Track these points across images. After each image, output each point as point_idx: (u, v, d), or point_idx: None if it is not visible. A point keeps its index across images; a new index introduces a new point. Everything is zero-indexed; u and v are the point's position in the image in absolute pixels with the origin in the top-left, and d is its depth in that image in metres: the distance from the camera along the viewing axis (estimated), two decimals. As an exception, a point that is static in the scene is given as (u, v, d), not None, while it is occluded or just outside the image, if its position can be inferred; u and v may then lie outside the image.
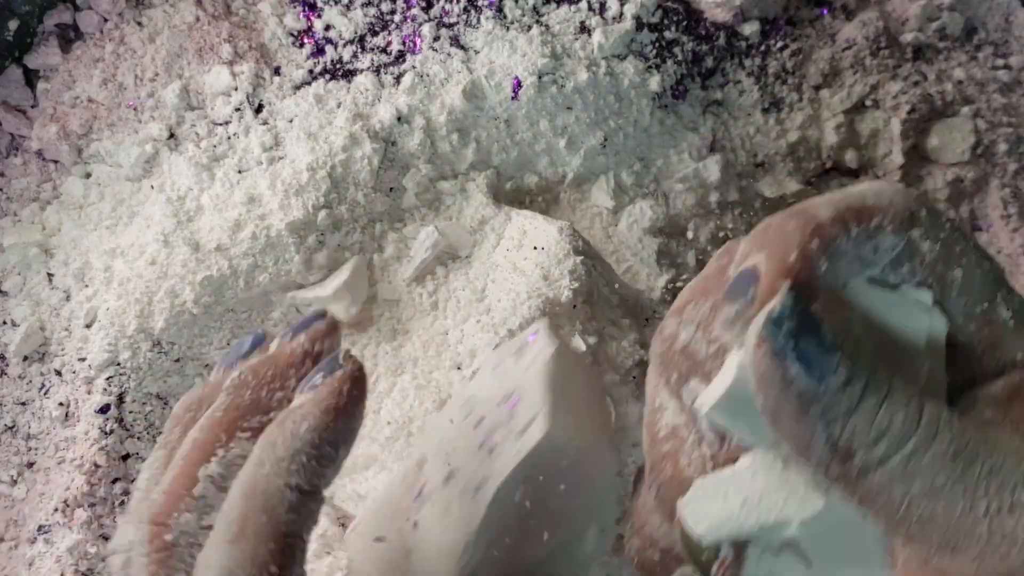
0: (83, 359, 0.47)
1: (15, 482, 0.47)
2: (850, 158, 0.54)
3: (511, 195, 0.50)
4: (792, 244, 0.27)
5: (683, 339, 0.29)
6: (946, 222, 0.29)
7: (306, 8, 0.52)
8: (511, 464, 0.34)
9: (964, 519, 0.24)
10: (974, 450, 0.24)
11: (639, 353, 0.45)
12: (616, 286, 0.46)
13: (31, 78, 0.52)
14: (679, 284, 0.50)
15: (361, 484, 0.43)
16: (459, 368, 0.44)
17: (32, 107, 0.52)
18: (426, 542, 0.35)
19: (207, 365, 0.47)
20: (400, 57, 0.50)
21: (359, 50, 0.50)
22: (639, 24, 0.50)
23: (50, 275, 0.49)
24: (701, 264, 0.51)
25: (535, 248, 0.46)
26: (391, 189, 0.48)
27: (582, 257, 0.45)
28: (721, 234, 0.52)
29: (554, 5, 0.50)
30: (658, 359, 0.30)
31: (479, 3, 0.50)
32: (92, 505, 0.45)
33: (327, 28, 0.51)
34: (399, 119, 0.48)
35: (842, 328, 0.26)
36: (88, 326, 0.47)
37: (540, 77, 0.48)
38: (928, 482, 0.24)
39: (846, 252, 0.27)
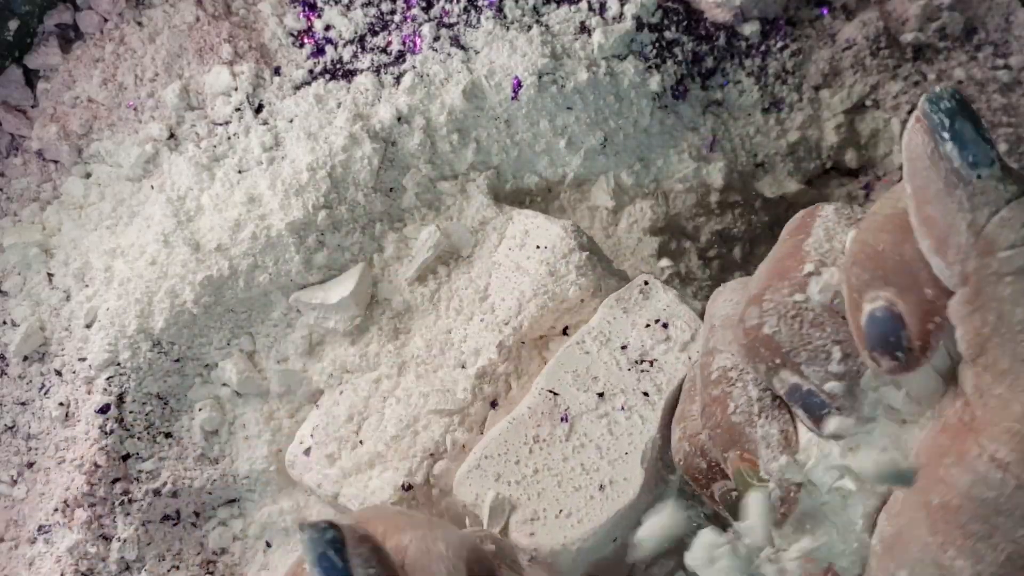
0: (83, 359, 0.47)
1: (15, 482, 0.47)
2: (850, 158, 0.54)
3: (511, 195, 0.50)
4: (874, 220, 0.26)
5: (767, 331, 0.28)
6: None
7: (306, 8, 0.52)
8: (682, 369, 0.41)
9: None
10: None
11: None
12: (620, 280, 0.47)
13: (31, 78, 0.52)
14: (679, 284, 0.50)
15: (367, 484, 0.43)
16: (463, 367, 0.44)
17: (32, 107, 0.52)
18: (584, 454, 0.40)
19: (207, 365, 0.47)
20: (400, 57, 0.50)
21: (359, 50, 0.50)
22: (639, 24, 0.50)
23: (50, 275, 0.49)
24: (702, 263, 0.51)
25: (538, 247, 0.46)
26: (391, 189, 0.48)
27: (587, 253, 0.45)
28: (722, 232, 0.52)
29: (554, 5, 0.50)
30: (743, 349, 0.30)
31: (479, 3, 0.50)
32: (92, 505, 0.45)
33: (327, 28, 0.51)
34: (399, 119, 0.48)
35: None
36: (88, 326, 0.47)
37: (540, 77, 0.48)
38: None
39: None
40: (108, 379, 0.46)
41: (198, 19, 0.51)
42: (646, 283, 0.44)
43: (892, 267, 0.26)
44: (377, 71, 0.50)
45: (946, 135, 0.24)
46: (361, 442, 0.44)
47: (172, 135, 0.50)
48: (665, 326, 0.42)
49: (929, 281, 0.25)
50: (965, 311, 0.24)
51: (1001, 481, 0.22)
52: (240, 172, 0.48)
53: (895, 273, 0.26)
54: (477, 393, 0.44)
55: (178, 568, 0.46)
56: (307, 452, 0.44)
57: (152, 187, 0.49)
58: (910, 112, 0.53)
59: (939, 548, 0.24)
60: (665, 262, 0.48)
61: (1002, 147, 0.54)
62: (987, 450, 0.23)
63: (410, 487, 0.42)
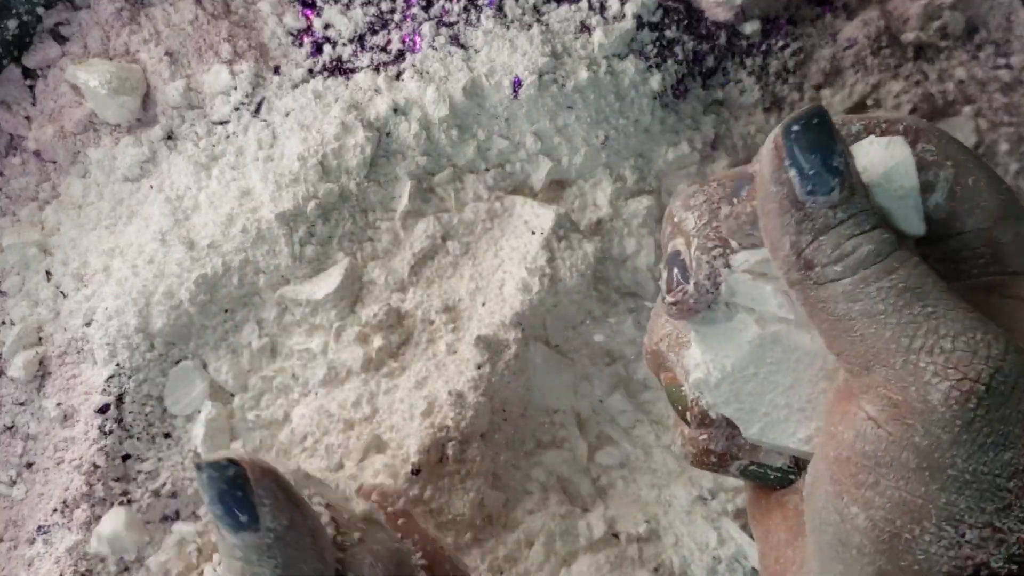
0: (82, 359, 0.47)
1: (14, 482, 0.47)
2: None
3: (510, 192, 0.50)
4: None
5: (693, 209, 0.31)
6: (957, 146, 0.30)
7: (305, 7, 0.51)
8: None
9: (887, 344, 0.25)
10: (925, 293, 0.26)
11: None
12: (619, 270, 0.47)
13: (29, 77, 0.52)
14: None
15: (373, 468, 0.43)
16: (463, 355, 0.45)
17: (31, 106, 0.52)
18: None
19: (205, 365, 0.47)
20: (400, 56, 0.50)
21: (359, 49, 0.50)
22: (640, 23, 0.50)
23: (48, 274, 0.49)
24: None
25: (533, 232, 0.46)
26: (385, 179, 0.48)
27: (581, 236, 0.45)
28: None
29: (554, 4, 0.50)
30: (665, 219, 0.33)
31: (479, 2, 0.50)
32: (92, 505, 0.45)
33: (327, 27, 0.51)
34: (395, 110, 0.48)
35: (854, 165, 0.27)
36: (87, 325, 0.47)
37: (540, 76, 0.48)
38: (869, 307, 0.26)
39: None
40: (107, 379, 0.46)
41: (197, 18, 0.51)
42: None
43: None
44: (376, 69, 0.50)
45: (791, 162, 0.27)
46: (358, 432, 0.44)
47: (171, 135, 0.50)
48: None
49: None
50: (803, 309, 0.28)
51: (876, 436, 0.25)
52: (236, 169, 0.48)
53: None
54: (478, 382, 0.44)
55: (177, 569, 0.46)
56: (304, 441, 0.45)
57: (151, 187, 0.49)
58: (912, 111, 0.53)
59: (836, 496, 0.27)
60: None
61: (1003, 147, 0.54)
62: (864, 410, 0.26)
63: (418, 471, 0.42)
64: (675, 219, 0.31)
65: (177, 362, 0.46)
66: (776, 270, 0.28)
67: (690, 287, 0.30)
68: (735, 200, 0.30)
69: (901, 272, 0.26)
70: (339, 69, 0.50)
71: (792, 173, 0.27)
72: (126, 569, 0.45)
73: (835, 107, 0.53)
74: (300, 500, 0.33)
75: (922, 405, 0.25)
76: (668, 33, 0.51)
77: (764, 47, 0.53)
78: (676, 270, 0.31)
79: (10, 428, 0.48)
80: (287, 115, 0.49)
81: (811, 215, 0.27)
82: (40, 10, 0.52)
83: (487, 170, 0.49)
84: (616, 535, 0.46)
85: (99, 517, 0.45)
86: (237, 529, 0.31)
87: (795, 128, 0.27)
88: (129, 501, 0.45)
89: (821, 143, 0.27)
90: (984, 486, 0.25)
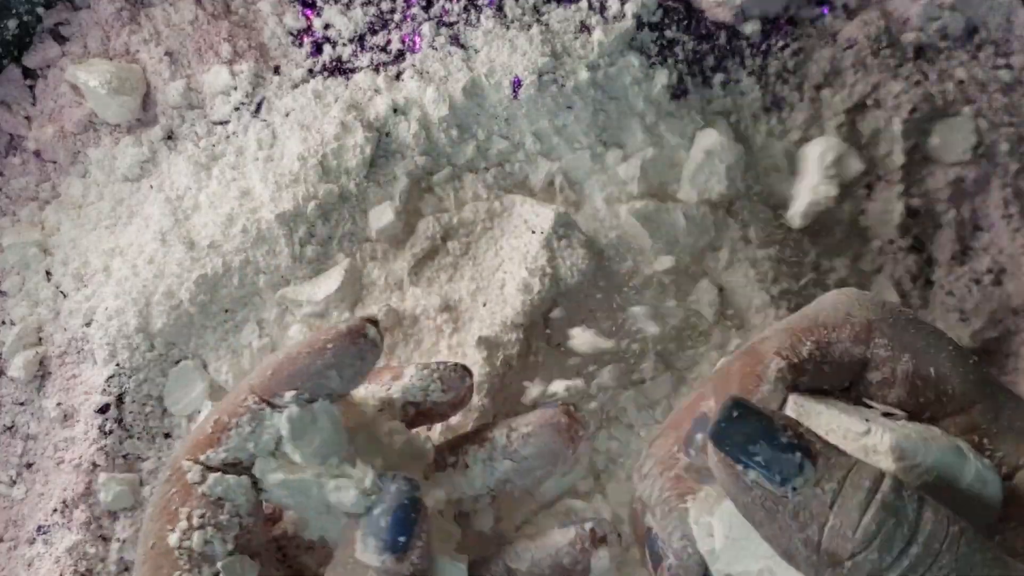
0: (82, 359, 0.47)
1: (14, 482, 0.47)
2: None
3: (510, 191, 0.50)
4: (734, 383, 0.27)
5: (648, 477, 0.31)
6: (913, 325, 0.28)
7: (305, 7, 0.51)
8: None
9: None
10: (976, 563, 0.22)
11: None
12: (619, 270, 0.47)
13: (30, 77, 0.52)
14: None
15: None
16: (465, 354, 0.45)
17: (31, 106, 0.52)
18: None
19: (205, 365, 0.47)
20: (400, 56, 0.50)
21: (359, 49, 0.50)
22: (640, 23, 0.50)
23: (49, 274, 0.49)
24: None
25: (532, 231, 0.46)
26: (385, 179, 0.48)
27: (580, 234, 0.45)
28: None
29: (554, 4, 0.50)
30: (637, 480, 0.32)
31: (479, 2, 0.50)
32: (91, 505, 0.45)
33: (327, 27, 0.51)
34: (395, 110, 0.48)
35: (808, 427, 0.25)
36: (87, 325, 0.47)
37: (540, 76, 0.48)
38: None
39: (806, 371, 0.27)
40: (107, 379, 0.46)
41: (197, 18, 0.51)
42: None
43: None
44: (376, 69, 0.50)
45: (745, 466, 0.24)
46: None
47: (171, 134, 0.50)
48: None
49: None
50: None
51: None
52: (236, 169, 0.48)
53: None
54: (480, 383, 0.44)
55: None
56: None
57: (151, 187, 0.49)
58: (911, 112, 0.53)
59: None
60: (666, 259, 0.48)
61: (1003, 147, 0.54)
62: None
63: None
64: (637, 494, 0.31)
65: (177, 362, 0.46)
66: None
67: (671, 561, 0.29)
68: (691, 452, 0.29)
69: (955, 549, 0.22)
70: (339, 69, 0.50)
71: (753, 474, 0.24)
72: (126, 569, 0.45)
73: (835, 107, 0.53)
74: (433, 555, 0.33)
75: None
76: (668, 33, 0.51)
77: (764, 47, 0.53)
78: (658, 546, 0.29)
79: (10, 428, 0.48)
80: (287, 115, 0.49)
81: (802, 504, 0.23)
82: (40, 10, 0.52)
83: (487, 170, 0.49)
84: (619, 535, 0.46)
85: (99, 517, 0.45)
86: (388, 550, 0.30)
87: (723, 431, 0.24)
88: (129, 501, 0.45)
89: (758, 430, 0.24)
90: None
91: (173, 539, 0.32)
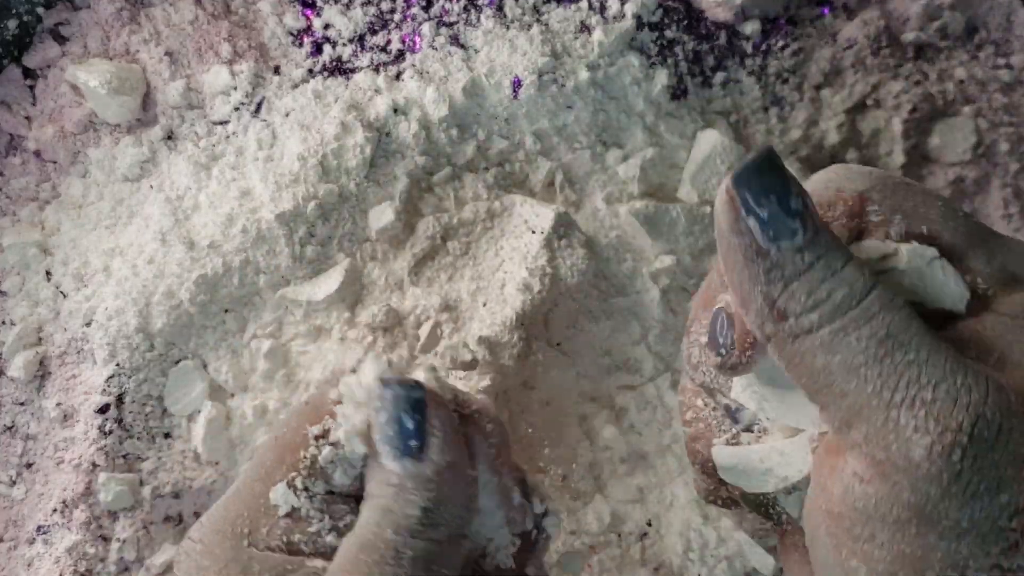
0: (82, 359, 0.47)
1: (14, 482, 0.47)
2: (851, 158, 0.54)
3: (509, 191, 0.50)
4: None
5: (695, 359, 0.31)
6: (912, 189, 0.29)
7: (305, 7, 0.51)
8: None
9: (868, 399, 0.25)
10: (907, 340, 0.25)
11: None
12: (619, 270, 0.47)
13: (30, 77, 0.52)
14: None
15: None
16: (466, 353, 0.45)
17: (31, 106, 0.52)
18: None
19: (205, 365, 0.47)
20: (400, 56, 0.50)
21: (359, 49, 0.50)
22: (640, 23, 0.50)
23: (49, 274, 0.49)
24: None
25: (533, 231, 0.46)
26: (385, 179, 0.48)
27: (580, 234, 0.45)
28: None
29: (554, 4, 0.50)
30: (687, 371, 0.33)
31: (479, 2, 0.50)
32: (91, 505, 0.45)
33: (326, 27, 0.51)
34: (395, 110, 0.48)
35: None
36: (87, 325, 0.47)
37: (540, 76, 0.48)
38: (849, 358, 0.25)
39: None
40: (107, 379, 0.46)
41: (197, 18, 0.51)
42: None
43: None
44: (376, 69, 0.50)
45: (747, 211, 0.26)
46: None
47: (171, 134, 0.50)
48: None
49: None
50: (780, 363, 0.27)
51: (864, 493, 0.25)
52: (236, 169, 0.48)
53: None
54: (483, 380, 0.44)
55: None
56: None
57: (151, 187, 0.49)
58: (912, 112, 0.53)
59: (835, 550, 0.26)
60: (666, 259, 0.48)
61: (1003, 147, 0.54)
62: (850, 466, 0.25)
63: None
64: (717, 281, 0.31)
65: (177, 362, 0.46)
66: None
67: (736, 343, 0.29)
68: (721, 350, 0.30)
69: (882, 318, 0.25)
70: (339, 69, 0.50)
71: (751, 222, 0.25)
72: (126, 569, 0.45)
73: (835, 107, 0.53)
74: (465, 443, 0.32)
75: (906, 463, 0.24)
76: (668, 33, 0.51)
77: (764, 47, 0.53)
78: (721, 324, 0.29)
79: (10, 428, 0.48)
80: (287, 115, 0.49)
81: (778, 262, 0.25)
82: (40, 10, 0.52)
83: (487, 170, 0.49)
84: (619, 535, 0.46)
85: (99, 517, 0.45)
86: (401, 454, 0.30)
87: (745, 174, 0.26)
88: (129, 501, 0.45)
89: (775, 186, 0.25)
90: (984, 530, 0.24)
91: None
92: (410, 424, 0.30)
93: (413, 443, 0.30)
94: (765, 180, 0.26)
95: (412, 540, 0.29)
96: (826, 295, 0.25)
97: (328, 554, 0.30)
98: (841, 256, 0.26)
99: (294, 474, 0.31)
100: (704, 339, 0.31)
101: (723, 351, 0.29)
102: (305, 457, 0.31)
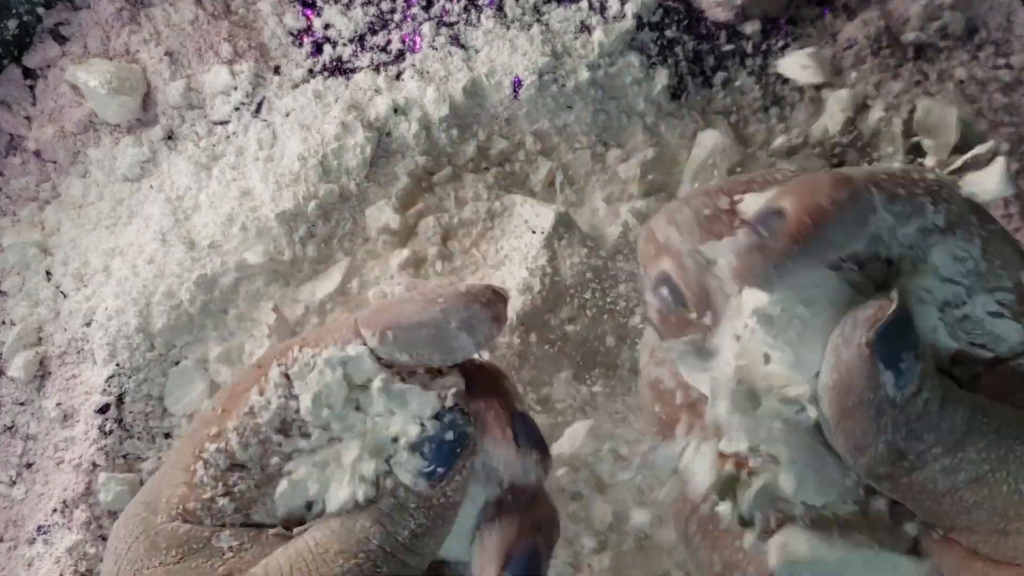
0: (82, 359, 0.47)
1: (14, 482, 0.47)
2: (852, 158, 0.54)
3: (509, 190, 0.50)
4: (822, 189, 0.27)
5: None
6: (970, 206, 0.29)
7: (305, 7, 0.51)
8: None
9: (1010, 499, 0.25)
10: (1010, 433, 0.25)
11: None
12: (618, 269, 0.47)
13: (30, 77, 0.52)
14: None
15: None
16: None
17: (31, 106, 0.52)
18: None
19: (205, 365, 0.47)
20: (400, 56, 0.50)
21: (359, 49, 0.50)
22: (640, 23, 0.50)
23: (49, 274, 0.49)
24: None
25: (533, 232, 0.46)
26: (385, 179, 0.48)
27: (584, 238, 0.45)
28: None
29: (555, 4, 0.50)
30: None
31: (479, 2, 0.50)
32: (91, 505, 0.45)
33: (327, 27, 0.51)
34: (395, 110, 0.48)
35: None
36: (87, 325, 0.47)
37: (541, 76, 0.48)
38: (973, 472, 0.25)
39: (874, 209, 0.27)
40: (107, 379, 0.46)
41: (197, 18, 0.51)
42: None
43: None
44: (376, 69, 0.50)
45: (887, 366, 0.25)
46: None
47: (171, 135, 0.50)
48: None
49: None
50: (891, 495, 0.27)
51: None
52: (236, 169, 0.48)
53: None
54: None
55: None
56: None
57: (151, 187, 0.49)
58: (911, 112, 0.53)
59: None
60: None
61: (1003, 147, 0.54)
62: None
63: None
64: (658, 238, 0.30)
65: (177, 362, 0.46)
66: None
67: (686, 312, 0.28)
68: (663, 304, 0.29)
69: (986, 424, 0.25)
70: (339, 69, 0.50)
71: (887, 377, 0.25)
72: (126, 569, 0.45)
73: (835, 107, 0.53)
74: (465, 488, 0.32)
75: None
76: (668, 33, 0.51)
77: (764, 47, 0.53)
78: (666, 292, 0.29)
79: (10, 428, 0.48)
80: (287, 115, 0.49)
81: (904, 408, 0.25)
82: (40, 10, 0.52)
83: (487, 169, 0.49)
84: (619, 535, 0.46)
85: (99, 517, 0.45)
86: (424, 475, 0.30)
87: (888, 334, 0.25)
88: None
89: (912, 340, 0.26)
90: None
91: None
92: (447, 455, 0.30)
93: (440, 470, 0.30)
94: (904, 336, 0.26)
95: (392, 558, 0.29)
96: (947, 426, 0.25)
97: (224, 519, 0.30)
98: (938, 379, 0.26)
99: (201, 446, 0.31)
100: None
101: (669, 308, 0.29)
102: (217, 433, 0.31)
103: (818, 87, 0.54)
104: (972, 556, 0.26)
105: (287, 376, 0.31)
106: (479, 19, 0.50)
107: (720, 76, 0.52)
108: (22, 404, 0.48)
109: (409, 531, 0.30)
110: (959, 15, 0.55)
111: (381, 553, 0.29)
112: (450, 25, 0.50)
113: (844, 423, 0.26)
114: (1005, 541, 0.25)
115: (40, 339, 0.48)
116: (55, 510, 0.45)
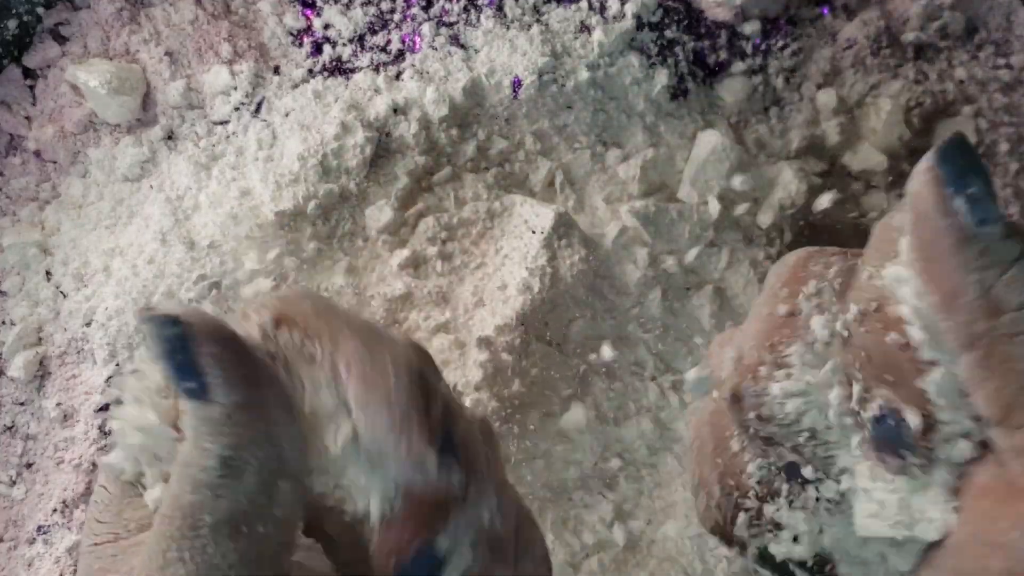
0: (82, 359, 0.47)
1: (14, 483, 0.47)
2: (851, 158, 0.54)
3: (509, 191, 0.50)
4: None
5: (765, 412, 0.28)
6: None
7: (305, 7, 0.51)
8: None
9: None
10: None
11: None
12: (619, 270, 0.47)
13: (30, 77, 0.52)
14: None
15: None
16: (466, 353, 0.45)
17: (31, 106, 0.52)
18: None
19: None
20: (400, 56, 0.50)
21: (359, 49, 0.50)
22: (640, 23, 0.50)
23: (49, 274, 0.49)
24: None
25: (533, 232, 0.46)
26: (385, 179, 0.48)
27: (580, 234, 0.45)
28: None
29: (554, 4, 0.50)
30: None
31: (479, 2, 0.50)
32: (91, 505, 0.45)
33: (326, 27, 0.51)
34: (395, 110, 0.48)
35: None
36: (87, 325, 0.47)
37: (540, 76, 0.48)
38: None
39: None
40: (107, 379, 0.46)
41: (197, 18, 0.51)
42: None
43: (879, 363, 0.25)
44: (376, 69, 0.50)
45: (956, 190, 0.23)
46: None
47: (171, 134, 0.50)
48: None
49: (912, 370, 0.25)
50: (980, 375, 0.24)
51: None
52: (236, 169, 0.48)
53: (884, 368, 0.25)
54: (480, 383, 0.44)
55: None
56: None
57: (151, 187, 0.49)
58: (911, 111, 0.53)
59: None
60: (667, 259, 0.48)
61: (1003, 147, 0.54)
62: None
63: None
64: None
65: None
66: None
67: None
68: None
69: None
70: (339, 69, 0.50)
71: (959, 202, 0.23)
72: (126, 569, 0.45)
73: (835, 107, 0.53)
74: (260, 374, 0.26)
75: None
76: (668, 33, 0.51)
77: (764, 47, 0.53)
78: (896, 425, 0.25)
79: (10, 428, 0.48)
80: (287, 115, 0.49)
81: (993, 248, 0.23)
82: (40, 10, 0.52)
83: (487, 169, 0.49)
84: (618, 535, 0.46)
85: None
86: (188, 396, 0.25)
87: (949, 151, 0.23)
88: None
89: (977, 165, 0.23)
90: None
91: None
92: (178, 364, 0.25)
93: (190, 385, 0.25)
94: (968, 158, 0.24)
95: (214, 500, 0.24)
96: None
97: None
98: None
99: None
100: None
101: (905, 453, 0.25)
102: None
103: (817, 87, 0.54)
104: (1017, 495, 0.23)
105: None
106: (479, 19, 0.50)
107: (720, 76, 0.52)
108: (22, 404, 0.48)
109: (217, 457, 0.24)
110: (959, 15, 0.55)
111: (196, 498, 0.24)
112: (450, 25, 0.50)
113: (929, 269, 0.24)
114: None
115: (40, 339, 0.48)
116: (55, 510, 0.45)
